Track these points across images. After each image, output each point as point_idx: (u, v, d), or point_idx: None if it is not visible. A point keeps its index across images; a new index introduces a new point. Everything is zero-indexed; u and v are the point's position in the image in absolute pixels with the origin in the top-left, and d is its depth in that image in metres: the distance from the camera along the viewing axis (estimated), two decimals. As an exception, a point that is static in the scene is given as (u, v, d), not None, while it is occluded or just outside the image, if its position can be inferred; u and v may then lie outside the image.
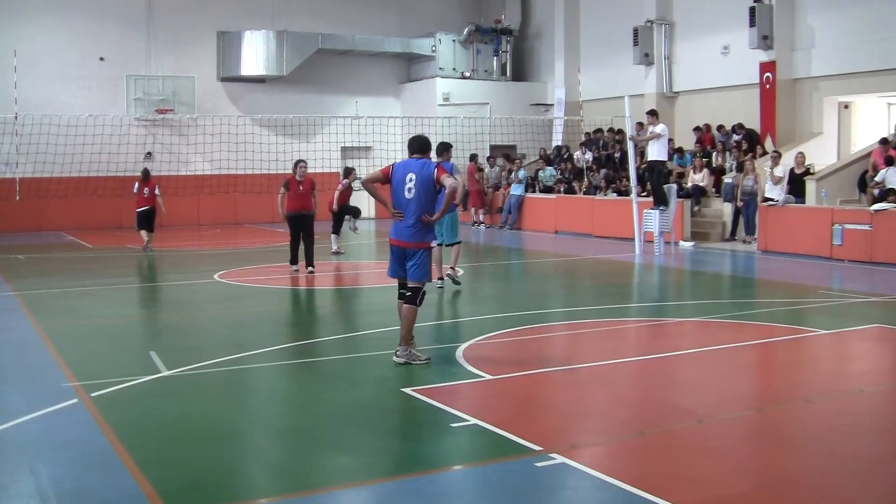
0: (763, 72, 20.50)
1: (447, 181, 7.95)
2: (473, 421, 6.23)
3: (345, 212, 17.49)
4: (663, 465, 5.46)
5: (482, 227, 24.57)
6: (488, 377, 7.57)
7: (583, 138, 25.05)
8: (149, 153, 25.28)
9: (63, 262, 17.42)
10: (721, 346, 8.94)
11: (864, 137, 19.99)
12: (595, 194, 22.05)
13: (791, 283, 13.59)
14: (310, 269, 14.49)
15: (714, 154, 21.00)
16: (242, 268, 15.69)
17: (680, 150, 21.57)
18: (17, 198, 21.75)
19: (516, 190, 23.60)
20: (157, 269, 16.69)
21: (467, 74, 28.34)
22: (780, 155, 18.20)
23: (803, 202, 17.56)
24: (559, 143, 26.24)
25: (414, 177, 8.02)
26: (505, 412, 6.65)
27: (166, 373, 7.85)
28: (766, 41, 20.26)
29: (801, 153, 18.34)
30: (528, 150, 27.25)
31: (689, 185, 19.98)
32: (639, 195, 17.75)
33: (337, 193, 17.31)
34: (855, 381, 7.67)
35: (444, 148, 12.27)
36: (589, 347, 9.16)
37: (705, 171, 19.98)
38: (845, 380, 7.77)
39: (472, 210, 24.86)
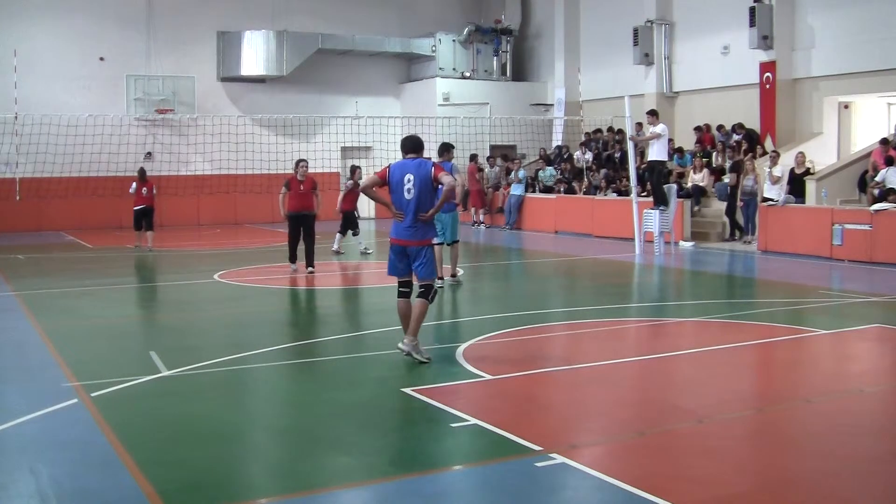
0: (763, 72, 20.50)
1: (445, 179, 8.05)
2: (473, 421, 6.23)
3: (348, 219, 17.30)
4: (663, 465, 5.46)
5: (482, 227, 24.57)
6: (488, 377, 7.57)
7: (583, 138, 25.05)
8: (149, 153, 25.28)
9: (63, 262, 17.42)
10: (721, 346, 8.93)
11: (864, 137, 20.00)
12: (595, 194, 22.05)
13: (791, 283, 13.59)
14: (310, 269, 14.48)
15: (714, 154, 21.00)
16: (242, 268, 15.70)
17: (680, 150, 21.58)
18: (17, 198, 21.75)
19: (516, 190, 23.60)
20: (158, 269, 16.69)
21: (467, 74, 28.34)
22: (778, 155, 18.21)
23: (803, 202, 17.56)
24: (559, 143, 26.23)
25: (412, 177, 8.07)
26: (505, 412, 6.65)
27: (166, 373, 7.85)
28: (766, 41, 20.26)
29: (801, 153, 18.33)
30: (528, 150, 27.25)
31: (689, 185, 19.98)
32: (639, 195, 17.76)
33: (342, 195, 17.20)
34: (855, 381, 7.67)
35: (446, 148, 12.43)
36: (589, 347, 9.16)
37: (705, 171, 19.98)
38: (845, 380, 7.77)
39: (472, 210, 24.87)
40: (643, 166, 18.51)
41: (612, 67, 25.26)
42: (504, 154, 25.96)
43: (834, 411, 6.66)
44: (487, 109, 27.21)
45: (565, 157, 25.08)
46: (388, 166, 8.28)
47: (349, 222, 17.31)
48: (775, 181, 17.27)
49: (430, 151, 17.26)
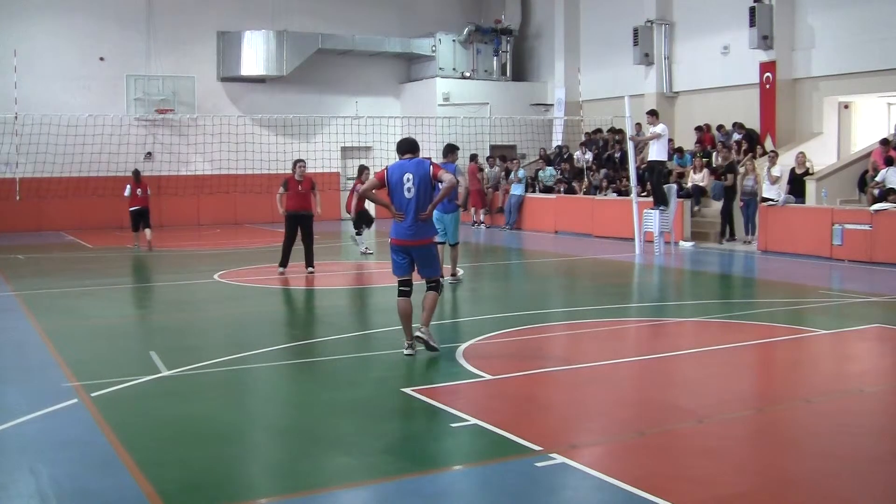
0: (763, 72, 20.51)
1: (445, 177, 8.14)
2: (473, 421, 6.23)
3: (362, 218, 17.34)
4: (663, 465, 5.46)
5: (482, 227, 24.56)
6: (488, 377, 7.57)
7: (583, 138, 25.05)
8: (149, 153, 25.29)
9: (63, 262, 17.42)
10: (721, 346, 8.93)
11: (864, 137, 20.00)
12: (595, 194, 22.05)
13: (791, 283, 13.59)
14: (310, 269, 14.47)
15: (714, 154, 20.99)
16: (242, 268, 15.69)
17: (680, 150, 21.57)
18: (17, 198, 21.75)
19: (516, 190, 23.60)
20: (157, 269, 16.68)
21: (467, 74, 28.34)
22: (777, 155, 18.21)
23: (803, 202, 17.56)
24: (559, 143, 26.23)
25: (411, 176, 8.15)
26: (505, 412, 6.65)
27: (166, 373, 7.85)
28: (766, 41, 20.27)
29: (801, 153, 18.33)
30: (528, 150, 27.25)
31: (689, 185, 19.98)
32: (639, 195, 17.76)
33: (356, 196, 17.06)
34: (855, 381, 7.67)
35: (450, 149, 12.58)
36: (589, 347, 9.16)
37: (705, 171, 19.98)
38: (845, 380, 7.77)
39: (472, 210, 24.86)
40: (643, 166, 18.51)
41: (612, 67, 25.26)
42: (502, 154, 25.96)
43: (834, 411, 6.65)
44: (487, 109, 27.21)
45: (565, 157, 25.08)
46: (386, 168, 8.35)
47: (363, 220, 17.32)
48: (774, 181, 17.27)
49: (429, 151, 17.32)
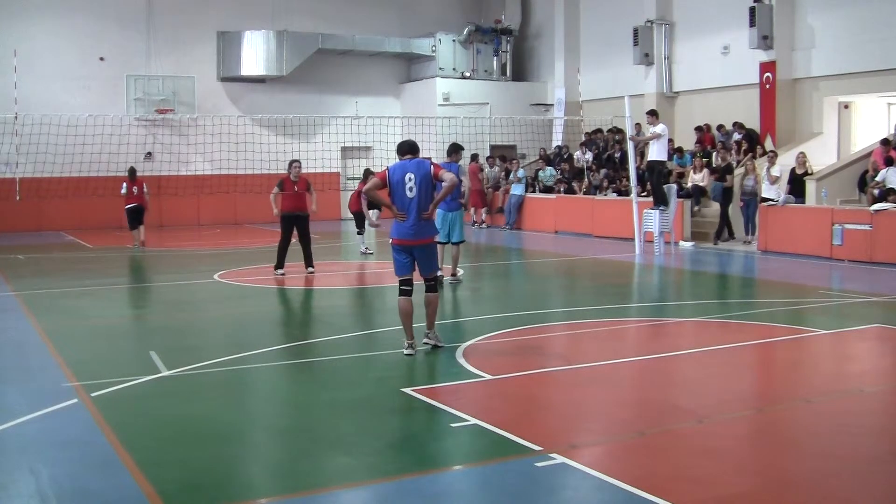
0: (763, 72, 20.51)
1: (446, 176, 8.26)
2: (473, 421, 6.23)
3: (364, 218, 17.29)
4: (663, 465, 5.46)
5: (484, 227, 24.55)
6: (488, 377, 7.57)
7: (583, 138, 25.05)
8: (149, 153, 25.30)
9: (63, 262, 17.42)
10: (721, 346, 8.94)
11: (864, 137, 20.00)
12: (595, 194, 22.05)
13: (791, 283, 13.59)
14: (310, 269, 14.47)
15: (714, 154, 21.00)
16: (242, 268, 15.69)
17: (680, 150, 21.57)
18: (17, 198, 21.74)
19: (516, 190, 23.60)
20: (157, 268, 16.68)
21: (467, 74, 28.34)
22: (776, 155, 18.21)
23: (803, 202, 17.56)
24: (559, 143, 26.23)
25: (413, 176, 8.28)
26: (505, 412, 6.65)
27: (166, 373, 7.85)
28: (766, 41, 20.27)
29: (802, 153, 18.33)
30: (528, 150, 27.25)
31: (689, 185, 19.98)
32: (639, 195, 17.76)
33: (365, 200, 17.00)
34: (855, 381, 7.67)
35: (455, 149, 12.65)
36: (589, 347, 9.16)
37: (705, 171, 19.98)
38: (845, 380, 7.77)
39: (473, 210, 24.85)
40: (643, 166, 18.51)
41: (612, 67, 25.26)
42: (502, 154, 25.96)
43: (834, 411, 6.65)
44: (487, 109, 27.21)
45: (565, 157, 25.08)
46: (387, 168, 8.50)
47: (361, 220, 17.31)
48: (774, 181, 17.27)
49: (429, 152, 17.32)
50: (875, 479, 5.26)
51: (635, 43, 23.66)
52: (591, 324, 10.12)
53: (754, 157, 19.35)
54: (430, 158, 8.65)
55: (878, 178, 16.28)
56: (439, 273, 9.33)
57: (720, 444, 5.89)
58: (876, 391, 7.29)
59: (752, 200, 17.97)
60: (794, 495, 4.98)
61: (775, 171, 17.39)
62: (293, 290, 13.41)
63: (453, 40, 28.39)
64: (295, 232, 14.50)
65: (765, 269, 15.23)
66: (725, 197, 18.64)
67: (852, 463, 5.47)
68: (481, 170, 24.95)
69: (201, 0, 26.48)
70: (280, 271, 14.30)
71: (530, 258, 18.27)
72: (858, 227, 15.34)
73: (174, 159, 25.27)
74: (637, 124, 20.75)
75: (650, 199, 17.86)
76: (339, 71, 28.23)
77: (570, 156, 24.94)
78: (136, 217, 19.41)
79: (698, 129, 21.88)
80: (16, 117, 20.72)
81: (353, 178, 26.99)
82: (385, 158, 23.00)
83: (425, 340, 8.62)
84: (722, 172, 18.83)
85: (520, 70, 29.55)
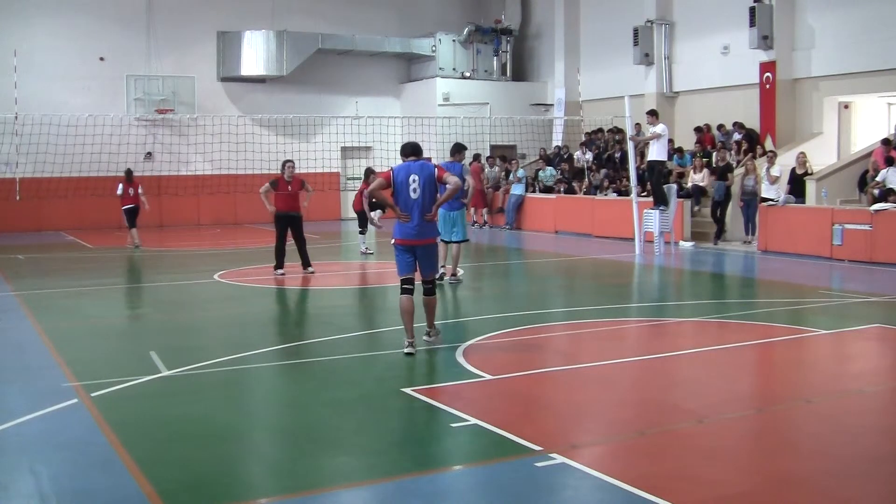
0: (763, 72, 20.50)
1: (450, 179, 8.44)
2: (473, 421, 6.23)
3: (365, 217, 17.26)
4: (663, 465, 5.46)
5: (486, 226, 24.54)
6: (488, 377, 7.57)
7: (583, 138, 25.05)
8: (149, 153, 25.30)
9: (63, 262, 17.42)
10: (721, 346, 8.94)
11: (864, 137, 19.99)
12: (595, 194, 22.05)
13: (791, 283, 13.59)
14: (310, 269, 14.46)
15: (714, 154, 21.00)
16: (242, 268, 15.69)
17: (680, 150, 21.57)
18: (17, 198, 21.74)
19: (517, 190, 23.60)
20: (157, 268, 16.67)
21: (467, 74, 28.33)
22: (775, 155, 18.20)
23: (803, 202, 17.56)
24: (559, 143, 26.23)
25: (417, 178, 8.42)
26: (505, 412, 6.65)
27: (166, 373, 7.85)
28: (766, 41, 20.26)
29: (802, 153, 18.33)
30: (528, 150, 27.25)
31: (689, 185, 19.98)
32: (639, 195, 17.76)
33: (366, 198, 16.97)
34: (855, 381, 7.67)
35: (458, 149, 12.76)
36: (589, 347, 9.16)
37: (705, 171, 19.99)
38: (845, 380, 7.77)
39: (473, 210, 24.85)
40: (643, 166, 18.51)
41: (612, 67, 25.25)
42: (503, 154, 25.96)
43: (834, 411, 6.65)
44: (487, 109, 27.21)
45: (565, 157, 25.08)
46: (392, 169, 8.62)
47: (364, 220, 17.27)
48: (773, 181, 17.27)
49: (430, 152, 17.34)
50: (875, 479, 5.26)
51: (635, 43, 23.66)
52: (591, 324, 10.12)
53: (754, 157, 19.34)
54: (429, 159, 8.73)
55: (878, 178, 16.28)
56: (441, 270, 9.48)
57: (720, 444, 5.89)
58: (876, 391, 7.29)
59: (752, 200, 17.97)
60: (794, 495, 4.98)
61: (775, 171, 17.39)
62: (293, 290, 13.40)
63: (453, 40, 28.39)
64: (290, 233, 14.46)
65: (765, 269, 15.23)
66: (722, 197, 18.62)
67: (852, 463, 5.47)
68: (482, 170, 24.94)
69: (201, 0, 26.48)
70: (280, 271, 14.29)
71: (530, 258, 18.27)
72: (858, 227, 15.34)
73: (174, 159, 25.27)
74: (637, 124, 20.75)
75: (650, 199, 17.86)
76: (339, 71, 28.23)
77: (570, 156, 24.93)
78: (132, 217, 19.54)
79: (697, 129, 21.85)
80: (16, 117, 20.71)
81: (353, 178, 27.03)
82: (385, 158, 23.03)
83: (426, 338, 8.75)
84: (723, 172, 18.82)
85: (520, 70, 29.55)
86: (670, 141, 19.94)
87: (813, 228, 16.17)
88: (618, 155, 22.86)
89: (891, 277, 13.67)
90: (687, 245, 18.31)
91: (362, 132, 24.71)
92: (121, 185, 19.64)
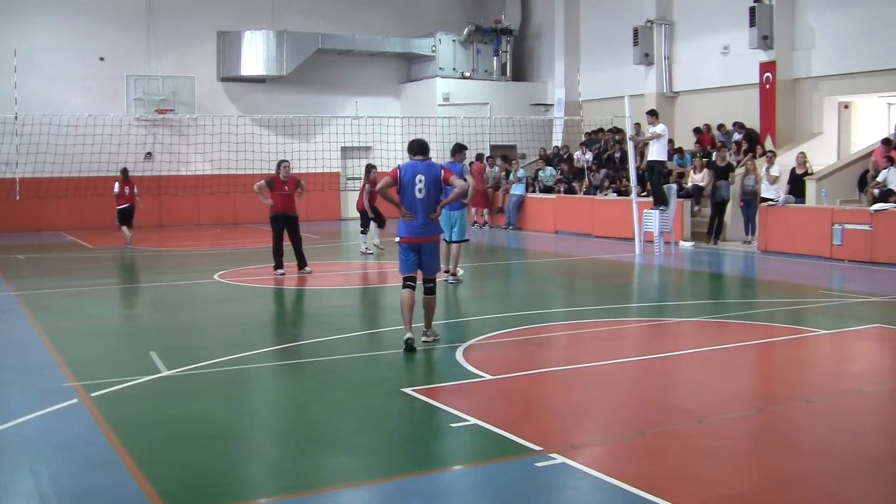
0: (763, 72, 20.50)
1: (457, 182, 8.61)
2: (473, 421, 6.23)
3: (369, 216, 17.22)
4: (663, 465, 5.46)
5: (486, 226, 24.54)
6: (488, 377, 7.57)
7: (583, 138, 25.05)
8: (149, 153, 25.30)
9: (63, 262, 17.42)
10: (721, 346, 8.94)
11: (864, 137, 19.99)
12: (595, 194, 22.05)
13: (791, 283, 13.59)
14: (308, 269, 14.44)
15: (714, 154, 20.99)
16: (242, 268, 15.69)
17: (680, 150, 21.57)
18: (17, 198, 21.74)
19: (517, 190, 23.60)
20: (157, 268, 16.67)
21: (467, 74, 28.33)
22: (774, 155, 18.20)
23: (803, 202, 17.55)
24: (559, 143, 26.23)
25: (423, 178, 8.53)
26: (505, 412, 6.65)
27: (166, 373, 7.85)
28: (766, 41, 20.26)
29: (802, 153, 18.33)
30: (528, 150, 27.25)
31: (689, 185, 19.97)
32: (639, 195, 17.76)
33: (367, 196, 16.97)
34: (855, 381, 7.67)
35: (459, 149, 12.81)
36: (589, 347, 9.16)
37: (705, 171, 19.99)
38: (845, 380, 7.77)
39: (474, 210, 24.84)
40: (643, 166, 18.51)
41: (612, 67, 25.25)
42: (503, 154, 25.96)
43: (834, 411, 6.65)
44: (487, 109, 27.21)
45: (565, 157, 25.08)
46: (399, 167, 8.71)
47: (376, 218, 17.20)
48: (773, 181, 17.27)
49: (430, 153, 17.26)
50: (875, 479, 5.26)
51: (635, 43, 23.65)
52: (591, 324, 10.12)
53: (754, 157, 19.34)
54: (430, 160, 8.79)
55: (878, 179, 16.27)
56: (443, 269, 9.53)
57: (720, 444, 5.89)
58: (876, 391, 7.29)
59: (752, 200, 17.97)
60: (794, 495, 4.98)
61: (775, 171, 17.39)
62: (293, 290, 13.40)
63: (453, 40, 28.38)
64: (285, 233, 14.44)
65: (765, 269, 15.23)
66: (720, 198, 18.63)
67: (852, 463, 5.47)
68: (484, 170, 24.94)
69: (201, 0, 26.48)
70: (280, 271, 14.28)
71: (530, 258, 18.27)
72: (858, 227, 15.34)
73: (174, 159, 25.25)
74: (637, 124, 20.75)
75: (650, 199, 17.86)
76: (339, 71, 28.22)
77: (570, 156, 24.93)
78: (127, 217, 19.67)
79: (696, 130, 21.84)
80: (16, 117, 20.71)
81: (354, 178, 27.03)
82: (385, 158, 23.05)
83: (423, 339, 8.77)
84: (723, 172, 18.80)
85: (520, 70, 29.54)
86: (670, 141, 19.94)
87: (813, 228, 16.17)
88: (618, 155, 22.85)
89: (891, 277, 13.67)
90: (687, 245, 18.31)
91: (362, 132, 24.72)
92: (117, 184, 19.73)
